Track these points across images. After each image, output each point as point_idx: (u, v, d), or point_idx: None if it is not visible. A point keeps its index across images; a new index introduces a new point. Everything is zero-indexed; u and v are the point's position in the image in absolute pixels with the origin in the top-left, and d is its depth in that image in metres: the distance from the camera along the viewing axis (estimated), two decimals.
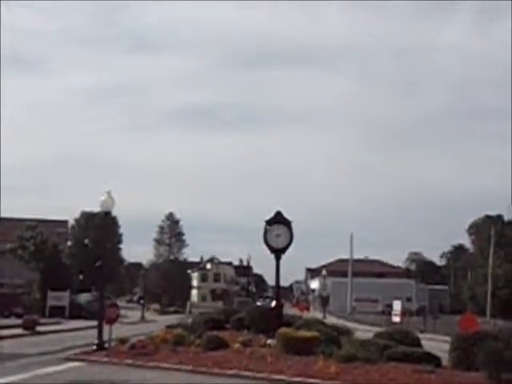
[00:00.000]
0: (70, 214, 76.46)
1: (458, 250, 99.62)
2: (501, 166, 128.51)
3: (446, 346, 16.15)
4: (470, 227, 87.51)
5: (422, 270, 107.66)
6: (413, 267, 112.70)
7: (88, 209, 68.21)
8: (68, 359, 15.75)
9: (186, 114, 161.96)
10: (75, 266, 59.37)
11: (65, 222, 73.60)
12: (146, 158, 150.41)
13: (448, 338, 17.62)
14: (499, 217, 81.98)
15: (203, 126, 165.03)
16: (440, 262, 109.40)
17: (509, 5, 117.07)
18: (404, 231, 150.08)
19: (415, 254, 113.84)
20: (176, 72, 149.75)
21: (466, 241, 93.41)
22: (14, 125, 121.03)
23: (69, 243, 70.87)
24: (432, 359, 15.05)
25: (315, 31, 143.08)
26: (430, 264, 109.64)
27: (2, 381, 12.01)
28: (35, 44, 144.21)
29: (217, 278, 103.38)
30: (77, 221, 72.78)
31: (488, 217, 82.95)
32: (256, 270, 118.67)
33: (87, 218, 68.98)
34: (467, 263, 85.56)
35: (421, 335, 21.09)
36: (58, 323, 33.22)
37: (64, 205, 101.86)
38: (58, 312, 38.71)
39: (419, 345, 17.32)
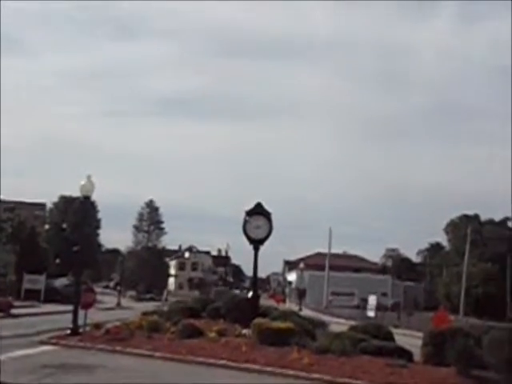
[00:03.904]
0: (49, 198, 75.94)
1: (435, 247, 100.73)
2: (481, 165, 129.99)
3: (419, 342, 16.38)
4: (447, 225, 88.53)
5: (399, 266, 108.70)
6: (389, 263, 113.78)
7: (67, 193, 67.89)
8: (42, 342, 15.67)
9: (169, 102, 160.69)
10: (52, 250, 58.97)
11: (43, 205, 73.07)
12: (127, 144, 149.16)
13: (421, 334, 17.85)
14: (476, 216, 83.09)
15: (186, 114, 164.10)
16: (416, 259, 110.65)
17: (491, 4, 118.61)
18: (382, 227, 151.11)
19: (392, 250, 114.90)
20: (160, 59, 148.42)
21: (443, 239, 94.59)
22: None
23: (46, 226, 70.40)
24: (404, 354, 15.27)
25: (300, 25, 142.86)
26: (407, 261, 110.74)
27: None
28: (16, 23, 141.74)
29: (194, 267, 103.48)
30: (55, 204, 72.40)
31: (465, 216, 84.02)
32: (234, 260, 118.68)
33: (66, 202, 68.64)
34: (443, 261, 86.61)
35: (394, 330, 21.35)
36: (32, 306, 33.01)
37: (42, 188, 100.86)
38: (33, 295, 38.43)
39: (392, 339, 17.56)
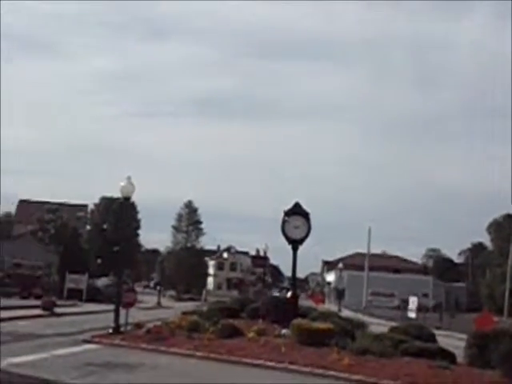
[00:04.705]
0: (90, 199, 77.23)
1: (477, 247, 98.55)
2: None
3: (462, 344, 16.07)
4: (490, 225, 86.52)
5: (440, 266, 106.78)
6: (430, 264, 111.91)
7: (108, 194, 68.98)
8: (85, 341, 15.95)
9: (203, 103, 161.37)
10: (94, 250, 60.12)
11: (85, 207, 74.41)
12: (164, 145, 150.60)
13: (464, 336, 17.50)
14: None
15: (220, 114, 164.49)
16: (458, 260, 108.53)
17: None
18: (423, 227, 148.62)
19: (433, 250, 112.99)
20: (192, 60, 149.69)
21: (486, 239, 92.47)
22: (31, 109, 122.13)
23: (88, 227, 71.75)
24: (447, 355, 14.98)
25: (329, 25, 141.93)
26: (448, 261, 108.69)
27: (20, 359, 12.22)
28: (52, 27, 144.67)
29: (233, 267, 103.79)
30: (96, 206, 73.59)
31: (508, 215, 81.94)
32: (273, 260, 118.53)
33: (107, 203, 69.71)
34: (486, 261, 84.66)
35: (436, 332, 20.99)
36: (75, 305, 33.65)
37: (84, 190, 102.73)
38: (75, 295, 39.20)
39: (434, 341, 17.25)
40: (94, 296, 39.35)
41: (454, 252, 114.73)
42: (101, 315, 25.99)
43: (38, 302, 28.28)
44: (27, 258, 44.67)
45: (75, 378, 10.95)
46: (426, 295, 72.01)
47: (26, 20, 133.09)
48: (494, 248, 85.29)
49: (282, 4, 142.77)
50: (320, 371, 12.82)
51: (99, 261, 57.87)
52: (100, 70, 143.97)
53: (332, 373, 12.69)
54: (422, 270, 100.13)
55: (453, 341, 21.95)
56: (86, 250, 54.72)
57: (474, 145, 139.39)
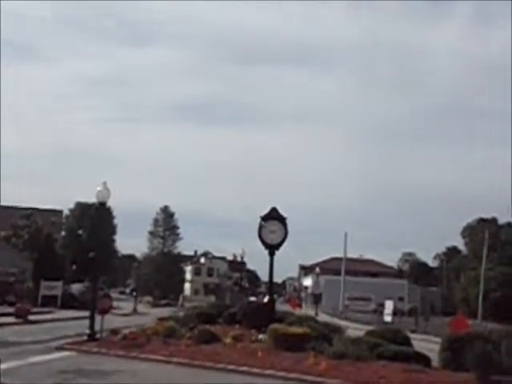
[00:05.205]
0: (65, 204, 76.38)
1: (452, 251, 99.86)
2: (497, 168, 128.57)
3: (436, 347, 16.24)
4: (464, 229, 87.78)
5: (415, 270, 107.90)
6: (406, 268, 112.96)
7: (83, 199, 68.28)
8: (60, 348, 15.78)
9: (181, 109, 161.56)
10: (69, 256, 59.37)
11: (59, 212, 73.42)
12: (141, 150, 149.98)
13: (438, 339, 17.70)
14: (493, 219, 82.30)
15: (200, 120, 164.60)
16: (433, 264, 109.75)
17: (506, 9, 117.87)
18: (398, 231, 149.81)
19: (409, 254, 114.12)
20: (173, 65, 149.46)
21: (460, 243, 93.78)
22: (9, 112, 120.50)
23: (63, 233, 70.84)
24: (422, 359, 15.15)
25: (313, 30, 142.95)
26: (423, 265, 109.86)
27: None
28: (32, 31, 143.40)
29: (210, 273, 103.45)
30: (71, 211, 72.74)
31: (482, 219, 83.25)
32: (249, 265, 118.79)
33: (82, 208, 68.95)
34: (460, 265, 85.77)
35: (411, 335, 21.18)
36: (50, 312, 33.20)
37: (59, 195, 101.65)
38: (50, 301, 38.67)
39: (410, 344, 17.41)
40: (69, 302, 38.85)
41: (429, 256, 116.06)
42: (76, 322, 25.73)
43: (11, 310, 27.84)
44: (0, 264, 43.93)
45: None
46: (401, 299, 72.65)
47: (5, 24, 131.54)
48: (468, 252, 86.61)
49: (266, 9, 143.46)
50: (297, 376, 12.86)
51: (74, 267, 57.22)
52: (79, 75, 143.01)
53: (308, 377, 12.74)
54: (398, 274, 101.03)
55: (428, 344, 22.16)
56: (60, 256, 53.96)
57: (450, 149, 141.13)
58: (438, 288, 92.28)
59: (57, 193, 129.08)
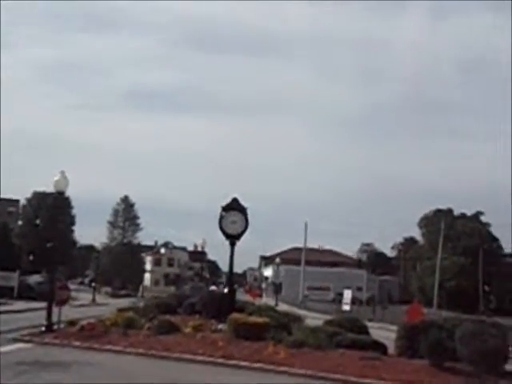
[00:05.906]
0: (22, 194, 74.76)
1: (409, 242, 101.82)
2: (455, 159, 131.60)
3: (393, 335, 16.60)
4: (421, 220, 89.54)
5: (374, 260, 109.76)
6: (364, 258, 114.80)
7: (41, 188, 66.98)
8: (16, 340, 15.48)
9: (144, 96, 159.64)
10: (26, 247, 58.30)
11: (16, 202, 71.97)
12: (101, 138, 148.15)
13: (395, 327, 18.09)
14: (449, 211, 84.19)
15: (162, 108, 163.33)
16: (391, 254, 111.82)
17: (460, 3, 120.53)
18: (357, 222, 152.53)
19: (367, 245, 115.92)
20: (136, 52, 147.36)
21: (417, 233, 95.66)
22: None
23: (19, 223, 69.47)
24: (379, 347, 15.49)
25: (277, 21, 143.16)
26: (381, 255, 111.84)
27: None
28: None
29: (171, 263, 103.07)
30: (28, 200, 71.29)
31: (439, 210, 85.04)
32: (210, 256, 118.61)
33: (39, 197, 67.65)
34: (417, 255, 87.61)
35: (369, 324, 21.60)
36: (5, 304, 32.53)
37: (16, 184, 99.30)
38: (6, 292, 37.84)
39: (367, 333, 17.76)
40: (26, 293, 38.17)
41: (387, 246, 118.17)
42: (33, 313, 25.28)
43: None
44: None
45: (6, 378, 10.64)
46: (360, 289, 73.88)
47: None
48: (425, 242, 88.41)
49: None
50: (256, 365, 12.98)
51: (31, 257, 56.25)
52: (39, 61, 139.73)
53: (267, 366, 12.88)
54: (357, 264, 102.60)
55: (384, 332, 22.63)
56: (17, 246, 52.98)
57: (409, 140, 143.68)
58: (396, 277, 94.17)
59: (14, 182, 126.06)
